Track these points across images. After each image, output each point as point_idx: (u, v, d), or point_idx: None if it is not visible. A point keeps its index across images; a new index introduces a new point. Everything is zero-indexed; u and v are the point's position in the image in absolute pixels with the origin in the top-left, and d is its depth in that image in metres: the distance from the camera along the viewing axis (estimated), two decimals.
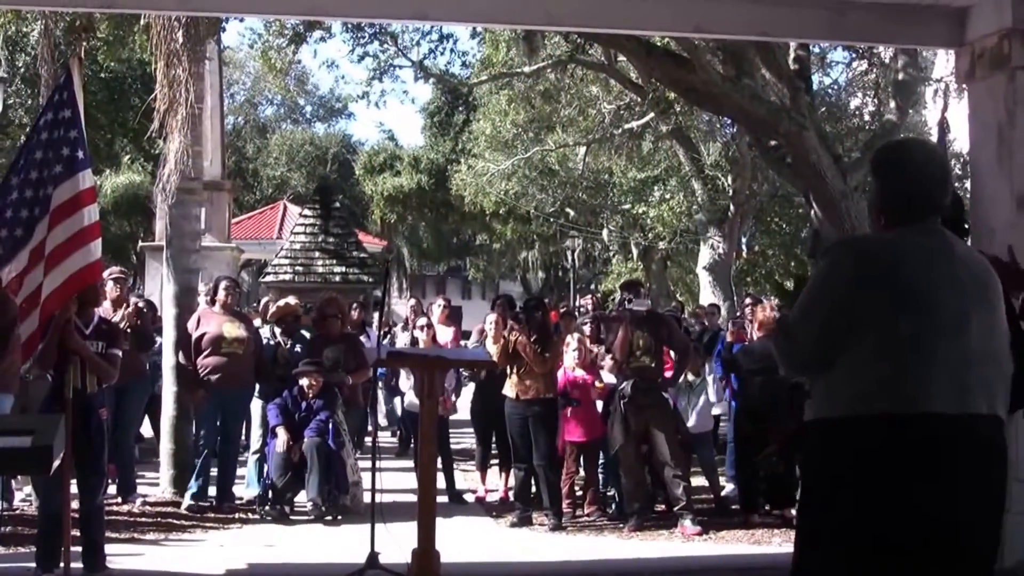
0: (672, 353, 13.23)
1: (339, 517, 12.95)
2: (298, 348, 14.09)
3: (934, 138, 32.21)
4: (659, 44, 18.88)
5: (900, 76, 20.00)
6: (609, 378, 13.64)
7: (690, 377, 13.93)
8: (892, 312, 4.55)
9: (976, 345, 4.60)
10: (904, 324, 4.53)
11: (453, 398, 14.80)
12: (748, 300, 17.67)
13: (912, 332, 4.53)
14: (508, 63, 29.13)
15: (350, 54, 25.48)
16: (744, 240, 34.86)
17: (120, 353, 10.29)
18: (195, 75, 13.22)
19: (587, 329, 15.10)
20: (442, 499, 13.49)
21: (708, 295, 28.82)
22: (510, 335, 12.89)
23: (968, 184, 10.76)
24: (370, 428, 15.08)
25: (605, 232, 41.67)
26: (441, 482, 13.96)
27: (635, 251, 41.46)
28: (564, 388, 13.21)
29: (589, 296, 23.37)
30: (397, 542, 8.96)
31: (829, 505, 4.60)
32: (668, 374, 13.26)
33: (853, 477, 4.51)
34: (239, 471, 14.21)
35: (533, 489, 13.36)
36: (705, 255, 30.52)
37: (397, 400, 18.93)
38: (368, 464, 14.26)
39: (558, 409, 13.09)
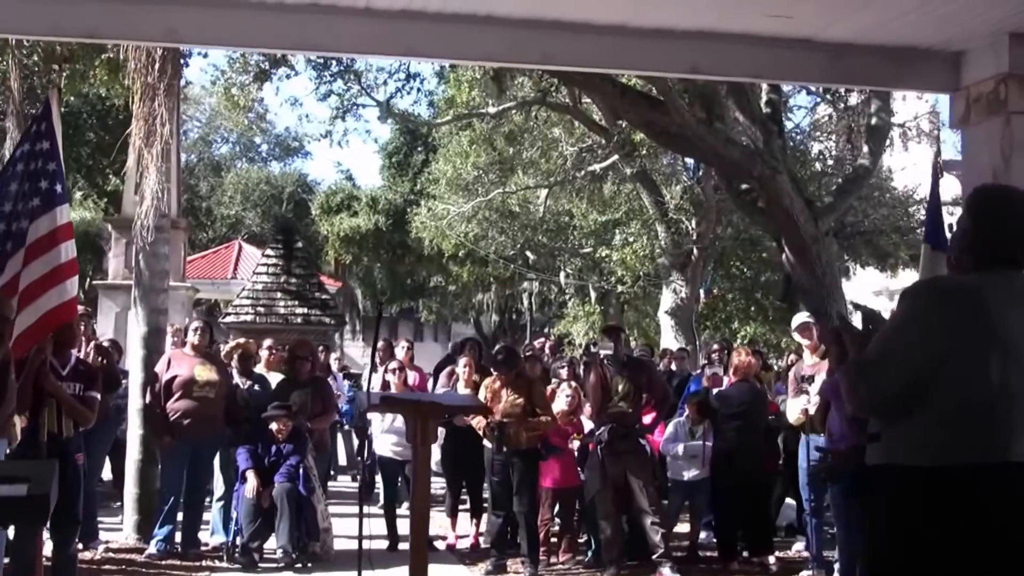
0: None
1: (309, 564, 12.70)
2: (257, 388, 13.85)
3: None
4: (633, 86, 18.80)
5: (873, 120, 20.05)
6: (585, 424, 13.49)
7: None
8: (982, 359, 4.48)
9: None
10: (994, 371, 4.46)
11: None
12: (716, 345, 17.52)
13: (1002, 380, 4.46)
14: (472, 104, 29.04)
15: (314, 92, 25.33)
16: (706, 284, 34.76)
17: (99, 396, 10.07)
18: (170, 109, 13.00)
19: (564, 373, 14.96)
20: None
21: (670, 339, 28.70)
22: (494, 393, 12.71)
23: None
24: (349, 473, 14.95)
25: (562, 275, 41.60)
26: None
27: (593, 295, 41.36)
28: (545, 435, 12.98)
29: (543, 339, 23.30)
30: None
31: (911, 556, 4.50)
32: (647, 420, 13.12)
33: (945, 528, 4.42)
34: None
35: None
36: (667, 299, 30.43)
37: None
38: (336, 510, 14.31)
39: (540, 457, 12.88)
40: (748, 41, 9.49)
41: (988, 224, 4.81)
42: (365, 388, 18.34)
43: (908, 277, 40.40)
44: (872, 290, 47.70)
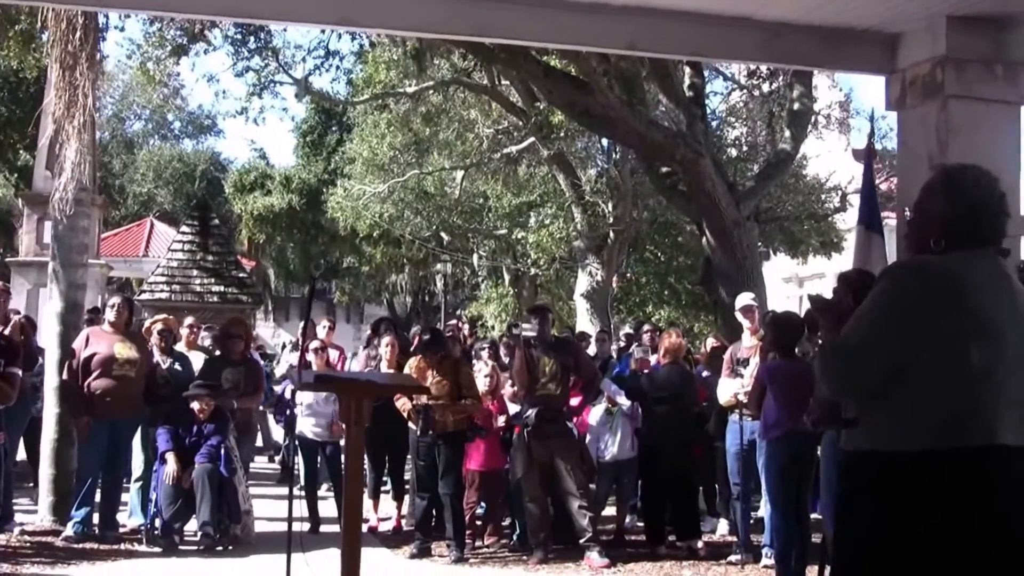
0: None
1: (230, 547, 12.47)
2: (178, 367, 13.54)
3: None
4: (557, 66, 18.60)
5: (795, 106, 19.97)
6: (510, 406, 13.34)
7: (612, 405, 13.52)
8: (965, 340, 4.36)
9: None
10: (976, 353, 4.34)
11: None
12: (647, 327, 17.36)
13: (985, 362, 4.34)
14: (389, 84, 28.76)
15: (231, 68, 24.85)
16: (621, 268, 34.72)
17: (20, 373, 9.71)
18: (91, 80, 12.62)
19: (485, 354, 14.77)
20: (333, 528, 13.08)
21: (585, 322, 28.56)
22: (419, 375, 12.48)
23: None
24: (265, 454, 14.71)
25: (475, 257, 41.39)
26: (332, 510, 13.58)
27: (507, 277, 41.19)
28: (471, 417, 12.78)
29: (457, 320, 23.10)
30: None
31: (887, 541, 4.38)
32: (574, 402, 12.95)
33: (932, 513, 4.30)
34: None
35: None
36: (583, 282, 30.29)
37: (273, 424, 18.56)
38: (253, 491, 14.03)
39: (466, 439, 12.68)
40: (686, 18, 9.42)
41: (964, 205, 4.65)
42: (283, 368, 18.14)
43: (818, 264, 40.68)
44: (782, 276, 47.98)
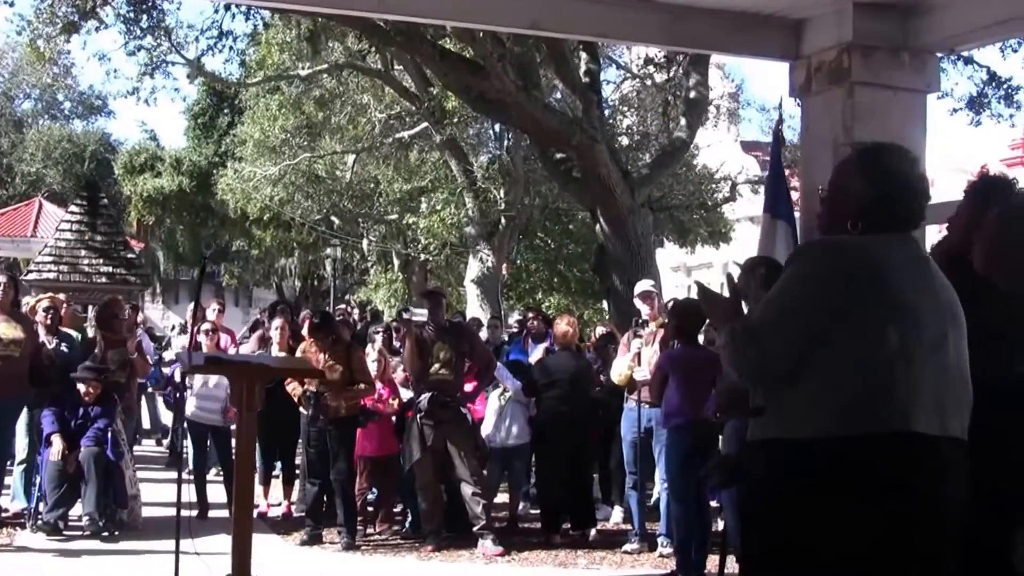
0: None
1: (116, 533, 12.02)
2: (64, 347, 13.06)
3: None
4: (453, 50, 18.29)
5: (692, 94, 19.85)
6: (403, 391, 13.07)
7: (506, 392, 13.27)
8: (881, 323, 4.13)
9: (952, 366, 4.25)
10: (893, 336, 4.12)
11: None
12: (531, 314, 17.10)
13: (900, 346, 4.12)
14: (282, 67, 28.34)
15: (123, 47, 24.19)
16: (512, 255, 34.55)
17: None
18: None
19: (379, 338, 14.47)
20: (221, 513, 12.79)
21: (475, 308, 28.37)
22: (311, 356, 12.13)
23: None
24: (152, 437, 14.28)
25: (365, 242, 41.05)
26: (221, 495, 13.25)
27: (396, 262, 40.89)
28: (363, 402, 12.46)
29: (344, 305, 22.89)
30: (207, 566, 8.14)
31: (798, 531, 4.15)
32: (468, 388, 12.68)
33: (842, 505, 4.07)
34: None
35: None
36: (474, 268, 30.12)
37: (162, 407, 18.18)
38: (140, 475, 13.60)
39: (358, 424, 12.36)
40: None
41: (883, 184, 4.41)
42: (174, 349, 17.71)
43: (706, 254, 40.84)
44: (670, 265, 48.14)
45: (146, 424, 20.86)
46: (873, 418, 4.08)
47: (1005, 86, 20.22)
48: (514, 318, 21.22)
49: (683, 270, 52.03)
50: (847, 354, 4.13)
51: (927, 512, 4.11)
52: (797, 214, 9.87)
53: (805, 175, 10.00)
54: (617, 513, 13.66)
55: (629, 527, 12.57)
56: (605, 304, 37.27)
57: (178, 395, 13.45)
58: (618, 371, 12.31)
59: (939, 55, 9.75)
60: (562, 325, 13.17)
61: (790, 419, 4.23)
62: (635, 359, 12.09)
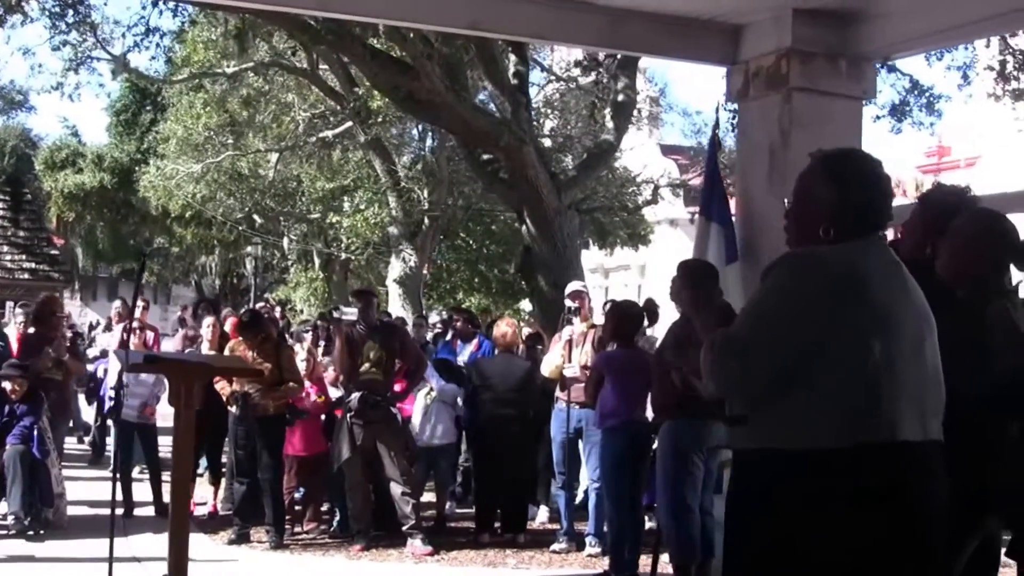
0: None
1: (42, 532, 11.78)
2: None
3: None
4: (383, 49, 18.12)
5: (620, 97, 19.81)
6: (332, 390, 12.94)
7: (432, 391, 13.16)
8: (865, 333, 4.08)
9: (929, 369, 4.23)
10: (877, 346, 4.07)
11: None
12: (459, 316, 16.99)
13: (884, 356, 4.08)
14: (207, 64, 28.04)
15: (48, 41, 23.79)
16: (434, 255, 34.43)
17: None
18: None
19: (308, 336, 14.33)
20: (146, 511, 12.62)
21: (397, 308, 28.22)
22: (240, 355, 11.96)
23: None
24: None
25: (285, 240, 40.77)
26: (147, 494, 13.07)
27: (317, 261, 40.64)
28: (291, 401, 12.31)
29: (264, 303, 22.74)
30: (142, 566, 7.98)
31: (790, 542, 4.10)
32: (398, 387, 12.57)
33: (837, 515, 4.03)
34: None
35: None
36: (396, 268, 29.99)
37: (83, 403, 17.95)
38: (67, 474, 13.36)
39: (286, 423, 12.21)
40: (532, 0, 9.10)
41: (853, 189, 4.34)
42: (99, 347, 17.44)
43: (624, 256, 40.93)
44: (588, 267, 48.11)
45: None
46: (863, 429, 4.04)
47: (927, 94, 20.39)
48: (432, 318, 21.14)
49: (601, 272, 52.06)
50: (835, 366, 4.07)
51: (916, 516, 4.09)
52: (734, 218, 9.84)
53: (741, 179, 9.99)
54: (543, 512, 13.60)
55: (556, 526, 12.52)
56: (524, 304, 37.55)
57: (116, 393, 13.22)
58: (550, 363, 12.27)
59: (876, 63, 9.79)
60: (502, 327, 13.17)
61: (780, 430, 4.16)
62: (566, 347, 12.05)
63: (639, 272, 51.59)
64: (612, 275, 51.38)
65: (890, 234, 5.73)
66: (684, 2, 9.25)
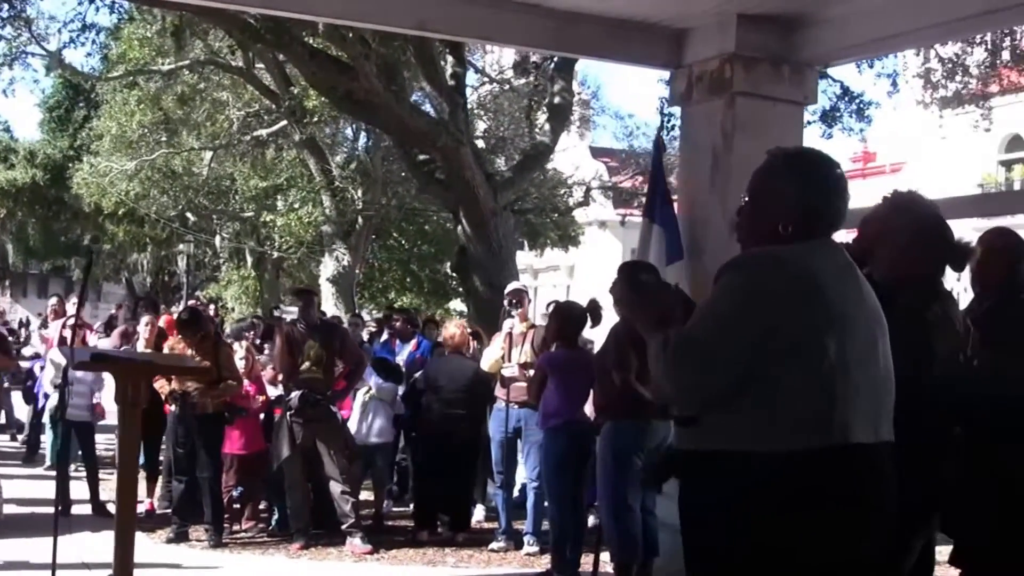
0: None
1: None
2: None
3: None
4: (322, 49, 17.98)
5: (556, 100, 19.80)
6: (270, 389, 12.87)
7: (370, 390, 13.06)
8: (821, 335, 4.01)
9: (881, 371, 4.19)
10: (832, 348, 4.01)
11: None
12: (399, 315, 16.89)
13: (840, 357, 4.01)
14: (143, 61, 27.77)
15: None
16: (367, 254, 34.28)
17: None
18: None
19: (251, 335, 14.20)
20: (83, 509, 12.44)
21: (330, 307, 28.08)
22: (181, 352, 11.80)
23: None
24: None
25: (218, 239, 40.51)
26: (84, 492, 12.89)
27: (249, 259, 40.40)
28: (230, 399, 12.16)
29: (194, 301, 22.57)
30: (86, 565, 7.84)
31: (749, 544, 4.03)
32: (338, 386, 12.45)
33: (787, 513, 3.97)
34: None
35: None
36: (329, 267, 29.86)
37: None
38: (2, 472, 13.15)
39: (226, 421, 12.06)
40: (479, 2, 9.07)
41: (815, 189, 4.28)
42: (36, 344, 17.20)
43: (554, 257, 40.95)
44: (518, 268, 48.09)
45: (0, 419, 20.25)
46: (816, 432, 3.99)
47: (857, 101, 20.52)
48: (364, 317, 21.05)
49: (530, 272, 52.01)
50: (789, 369, 4.01)
51: (868, 519, 4.05)
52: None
53: (684, 182, 10.01)
54: (480, 511, 13.54)
55: (494, 525, 12.45)
56: (456, 304, 37.52)
57: (63, 391, 12.94)
58: (490, 357, 12.20)
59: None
60: (451, 328, 13.10)
61: (732, 432, 4.09)
62: (507, 340, 12.00)
63: (568, 273, 51.59)
64: (541, 276, 51.28)
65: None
66: (629, 6, 9.26)
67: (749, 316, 4.05)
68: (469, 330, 14.34)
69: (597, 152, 44.53)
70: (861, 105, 20.52)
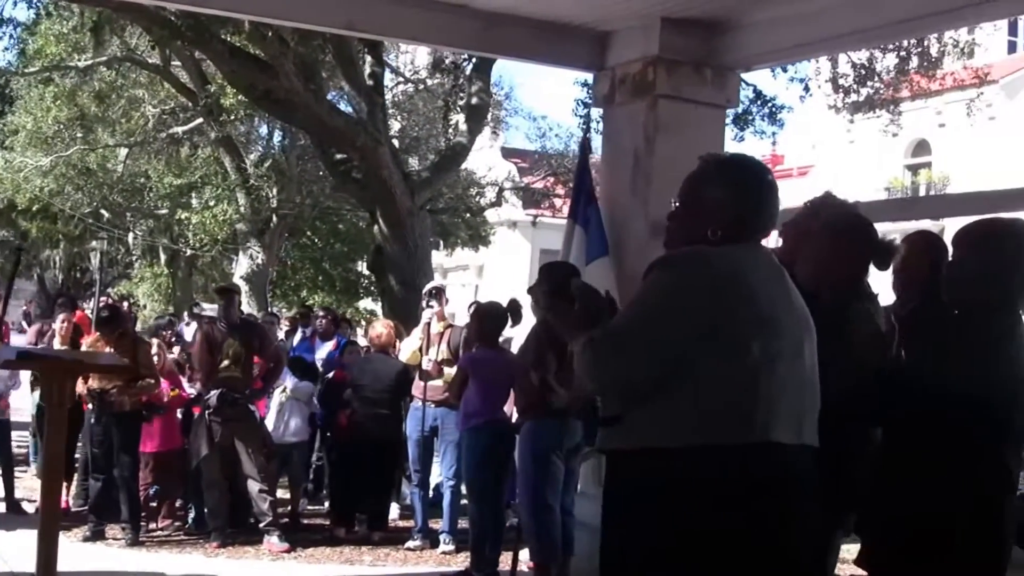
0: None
1: None
2: None
3: None
4: (241, 47, 17.77)
5: (474, 100, 19.71)
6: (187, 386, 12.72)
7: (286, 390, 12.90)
8: (746, 334, 3.96)
9: (807, 372, 4.15)
10: (757, 347, 3.96)
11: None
12: (322, 313, 16.67)
13: (764, 357, 3.96)
14: (59, 57, 27.36)
15: None
16: (280, 253, 34.04)
17: None
18: None
19: (167, 334, 13.98)
20: None
21: (244, 305, 27.81)
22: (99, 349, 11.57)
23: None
24: None
25: (131, 236, 40.04)
26: None
27: (163, 257, 39.98)
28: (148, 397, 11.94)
29: (106, 298, 22.29)
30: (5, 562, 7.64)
31: (666, 542, 3.98)
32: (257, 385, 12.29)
33: (703, 512, 3.91)
34: None
35: None
36: (244, 265, 29.63)
37: None
38: None
39: (143, 419, 11.84)
40: (405, 2, 8.98)
41: (746, 194, 4.24)
42: None
43: (463, 256, 40.95)
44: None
45: None
46: (738, 430, 3.94)
47: (770, 104, 20.60)
48: (287, 315, 20.88)
49: (440, 271, 51.93)
50: (714, 367, 3.95)
51: (784, 519, 3.99)
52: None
53: (606, 183, 9.95)
54: (395, 510, 13.41)
55: (409, 524, 12.34)
56: (367, 303, 37.37)
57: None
58: (409, 348, 12.10)
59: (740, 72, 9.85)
60: (378, 327, 12.95)
61: (655, 430, 4.01)
62: (425, 331, 11.90)
63: (477, 273, 51.65)
64: (451, 275, 51.21)
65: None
66: (554, 8, 9.20)
67: (674, 312, 4.00)
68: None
69: (509, 153, 44.58)
70: (774, 109, 20.63)
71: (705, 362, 3.94)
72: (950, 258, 5.02)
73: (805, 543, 4.12)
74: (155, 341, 13.19)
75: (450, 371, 11.47)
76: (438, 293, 12.45)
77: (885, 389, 4.98)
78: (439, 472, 12.10)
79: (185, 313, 22.52)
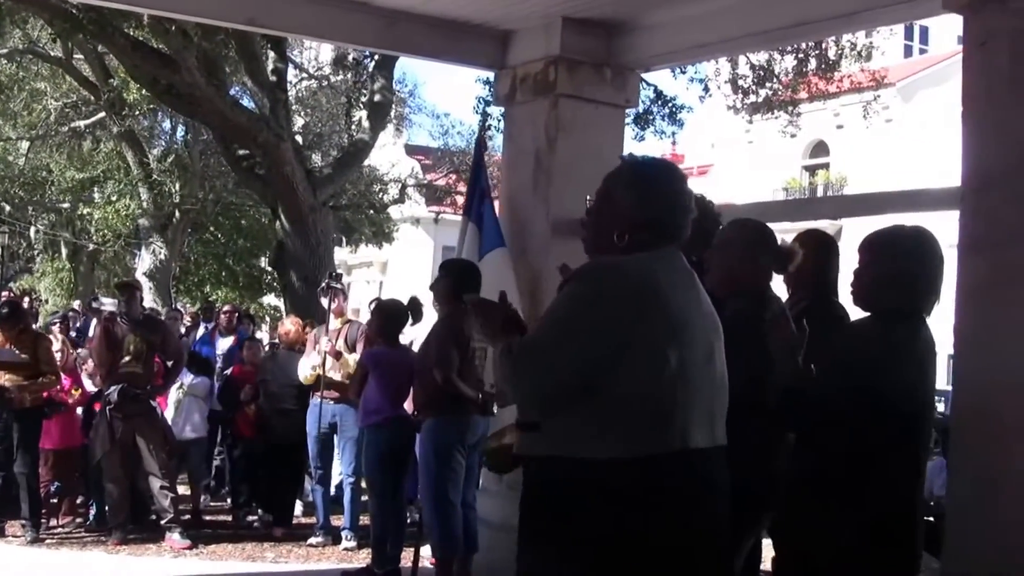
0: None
1: None
2: None
3: None
4: (144, 41, 17.51)
5: (376, 97, 19.60)
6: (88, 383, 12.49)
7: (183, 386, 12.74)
8: (662, 343, 3.93)
9: (718, 376, 4.16)
10: (673, 356, 3.94)
11: None
12: (227, 308, 16.44)
13: (679, 365, 3.94)
14: None
15: None
16: (184, 248, 33.67)
17: None
18: None
19: (56, 328, 13.72)
20: None
21: (148, 301, 27.49)
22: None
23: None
24: None
25: (32, 230, 39.46)
26: None
27: (64, 251, 39.42)
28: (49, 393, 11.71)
29: (7, 292, 21.90)
30: None
31: (585, 551, 3.94)
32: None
33: (626, 521, 3.89)
34: None
35: None
36: (147, 260, 29.29)
37: None
38: None
39: (43, 416, 11.62)
40: None
41: (652, 200, 4.20)
42: None
43: (367, 253, 40.74)
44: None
45: None
46: (656, 440, 3.92)
47: (670, 104, 20.63)
48: (190, 310, 20.64)
49: (344, 268, 51.68)
50: (631, 375, 3.92)
51: (703, 522, 4.01)
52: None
53: (506, 182, 9.91)
54: (297, 507, 13.29)
55: (311, 520, 12.22)
56: (270, 299, 37.07)
57: None
58: (306, 367, 11.89)
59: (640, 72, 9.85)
60: (286, 325, 12.85)
61: (573, 437, 3.99)
62: (315, 344, 11.78)
63: (381, 269, 51.49)
64: (355, 272, 51.03)
65: None
66: (456, 6, 9.13)
67: (590, 324, 3.96)
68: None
69: (412, 150, 44.41)
70: (674, 109, 20.65)
71: (620, 373, 3.92)
72: (857, 264, 5.00)
73: (722, 545, 4.15)
74: (60, 337, 12.98)
75: (348, 357, 11.40)
76: (333, 290, 12.26)
77: (792, 398, 4.96)
78: (340, 469, 12.00)
79: (76, 304, 22.21)
